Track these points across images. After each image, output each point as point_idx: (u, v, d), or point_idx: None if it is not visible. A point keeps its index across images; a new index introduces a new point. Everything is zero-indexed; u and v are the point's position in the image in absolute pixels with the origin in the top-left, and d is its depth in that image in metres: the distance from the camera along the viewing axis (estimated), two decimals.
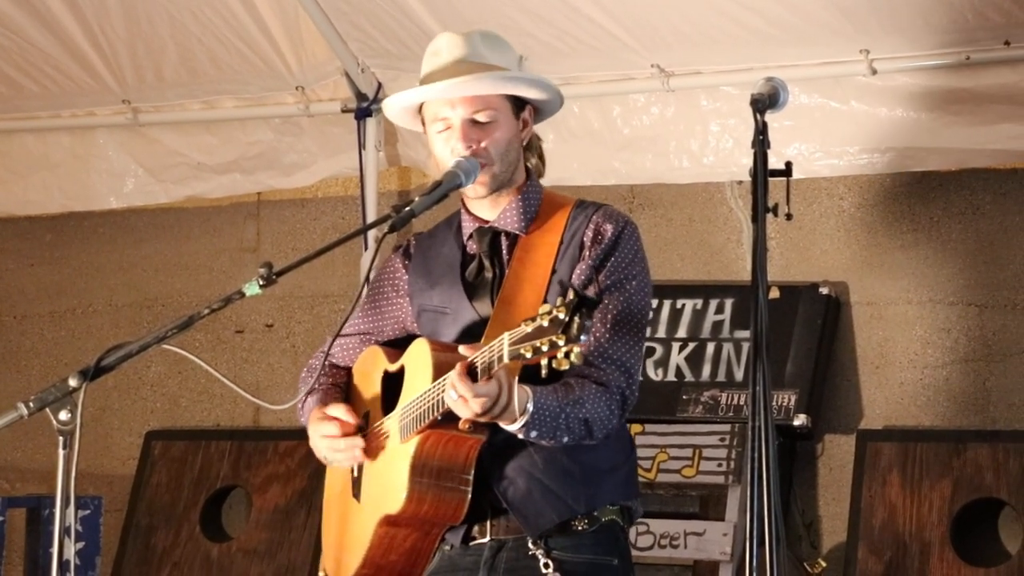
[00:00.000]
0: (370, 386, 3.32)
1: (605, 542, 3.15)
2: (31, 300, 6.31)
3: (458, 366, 2.88)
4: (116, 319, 6.17)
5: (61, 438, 2.89)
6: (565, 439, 3.03)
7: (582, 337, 2.69)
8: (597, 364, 3.07)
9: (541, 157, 3.32)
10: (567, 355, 2.70)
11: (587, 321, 2.70)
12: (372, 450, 3.24)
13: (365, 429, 3.27)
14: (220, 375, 3.12)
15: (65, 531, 2.89)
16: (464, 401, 2.88)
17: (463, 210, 3.27)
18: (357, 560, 3.19)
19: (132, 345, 2.99)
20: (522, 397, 2.92)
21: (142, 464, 5.87)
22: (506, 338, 2.81)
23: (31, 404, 2.92)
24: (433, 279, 3.27)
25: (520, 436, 2.98)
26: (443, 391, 2.95)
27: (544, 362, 2.73)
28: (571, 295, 2.70)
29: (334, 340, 3.23)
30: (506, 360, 2.81)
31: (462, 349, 2.93)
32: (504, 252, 3.21)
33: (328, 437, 3.25)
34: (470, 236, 3.25)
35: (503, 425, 2.97)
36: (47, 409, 2.91)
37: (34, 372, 6.25)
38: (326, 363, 3.41)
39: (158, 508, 5.77)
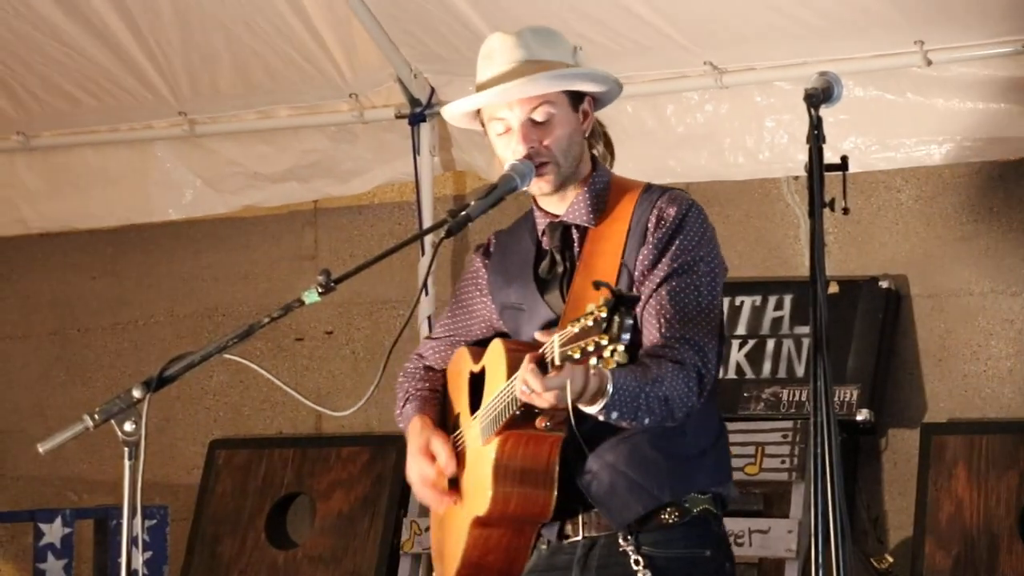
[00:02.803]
0: (460, 388, 3.33)
1: (697, 534, 3.11)
2: (94, 313, 6.37)
3: (526, 361, 2.86)
4: (177, 330, 6.21)
5: (126, 449, 2.91)
6: (646, 420, 2.98)
7: (624, 336, 2.67)
8: (671, 344, 3.04)
9: (608, 143, 3.31)
10: (612, 354, 2.69)
11: (627, 319, 2.67)
12: (461, 455, 3.25)
13: (453, 435, 3.29)
14: (281, 383, 3.14)
15: (132, 541, 2.91)
16: (538, 395, 2.87)
17: (534, 206, 3.27)
18: (456, 561, 3.19)
19: (194, 355, 3.00)
20: (601, 378, 2.89)
21: (206, 473, 5.91)
22: (556, 340, 2.80)
23: (96, 416, 2.94)
24: (510, 276, 3.28)
25: (601, 418, 2.95)
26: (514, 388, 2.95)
27: (593, 362, 2.72)
28: (608, 294, 2.69)
29: (394, 334, 3.24)
30: (557, 363, 2.80)
31: (535, 337, 2.91)
32: (575, 245, 3.20)
33: (423, 481, 3.26)
34: (543, 232, 3.25)
35: (583, 408, 2.93)
36: (112, 420, 2.92)
37: (98, 384, 6.31)
38: (420, 366, 3.45)
39: (223, 517, 5.81)
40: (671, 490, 3.10)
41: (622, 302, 2.68)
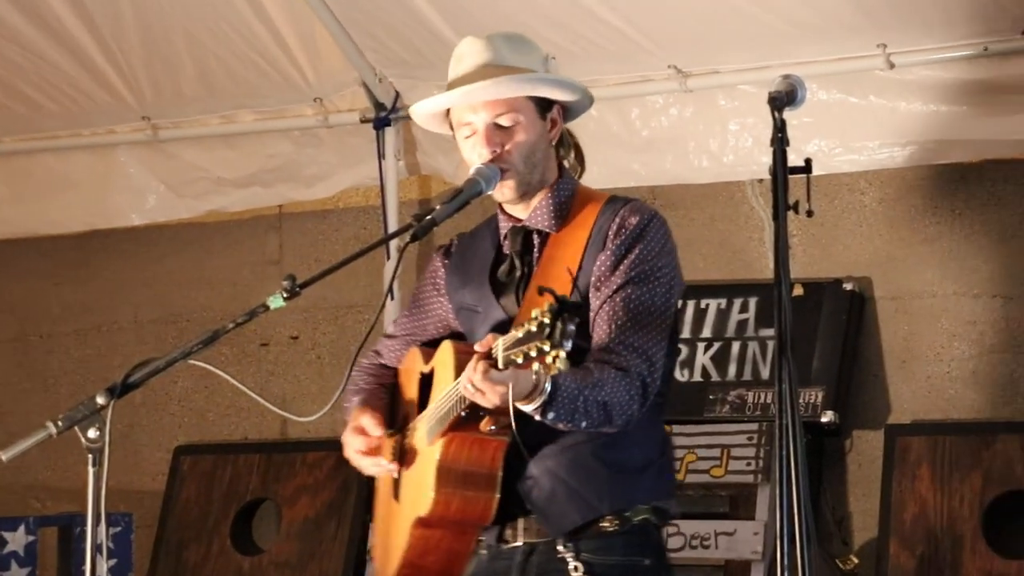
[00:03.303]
0: (410, 387, 3.35)
1: (637, 543, 3.14)
2: (56, 319, 6.33)
3: (473, 359, 2.88)
4: (141, 335, 6.19)
5: (90, 456, 2.90)
6: (583, 423, 2.99)
7: (566, 343, 2.68)
8: (618, 351, 3.05)
9: (579, 153, 3.33)
10: (554, 360, 2.70)
11: (570, 326, 2.68)
12: (407, 453, 3.27)
13: (400, 432, 3.31)
14: (246, 389, 3.14)
15: (97, 548, 2.90)
16: (480, 393, 2.88)
17: (499, 210, 3.29)
18: (397, 561, 3.22)
19: (158, 361, 3.00)
20: (538, 378, 2.90)
21: (171, 479, 5.89)
22: (500, 344, 2.82)
23: (60, 423, 2.93)
24: (467, 277, 3.30)
25: (537, 418, 2.96)
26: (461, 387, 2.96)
27: (535, 367, 2.73)
28: (551, 300, 2.69)
29: (368, 338, 3.25)
30: (500, 366, 2.82)
31: (476, 346, 2.92)
32: (535, 250, 3.22)
33: (357, 452, 3.29)
34: (505, 236, 3.26)
35: (520, 406, 2.94)
36: (76, 427, 2.92)
37: (62, 391, 6.27)
38: (374, 363, 3.47)
39: (188, 523, 5.79)
40: (610, 502, 3.12)
41: (565, 308, 2.69)
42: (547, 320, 2.68)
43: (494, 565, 3.19)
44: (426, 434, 3.16)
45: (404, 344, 3.43)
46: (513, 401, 2.90)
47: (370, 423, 3.28)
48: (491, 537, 3.19)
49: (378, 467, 3.28)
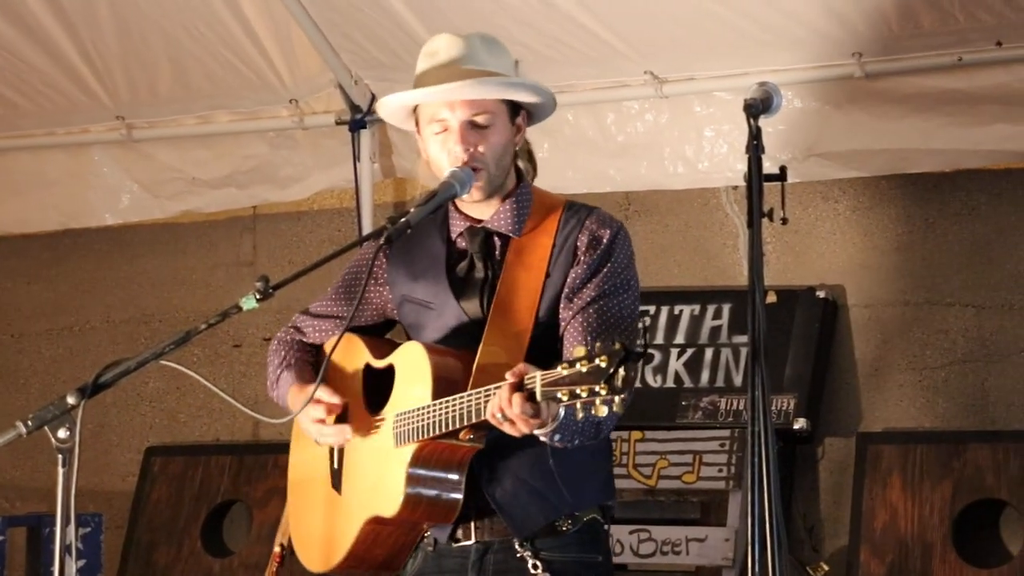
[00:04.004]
0: (350, 376, 3.32)
1: (589, 540, 3.21)
2: (28, 318, 6.30)
3: (506, 390, 2.89)
4: (114, 335, 6.16)
5: (60, 456, 2.89)
6: (577, 441, 3.07)
7: (625, 391, 2.72)
8: None
9: (531, 159, 3.35)
10: (608, 404, 2.73)
11: (632, 373, 2.72)
12: (356, 445, 3.26)
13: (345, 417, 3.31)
14: (218, 390, 3.13)
15: (66, 549, 2.88)
16: (512, 424, 2.91)
17: (451, 207, 3.28)
18: (340, 553, 3.23)
19: (130, 361, 2.99)
20: (555, 406, 2.94)
21: (142, 480, 5.87)
22: (539, 378, 2.84)
23: (30, 423, 2.92)
24: (416, 271, 3.29)
25: (544, 440, 3.01)
26: (469, 406, 2.98)
27: (579, 406, 2.76)
28: (617, 346, 2.73)
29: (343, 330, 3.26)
30: (539, 399, 2.85)
31: (508, 375, 2.91)
32: (497, 254, 3.23)
33: (317, 421, 3.26)
34: (460, 233, 3.26)
35: (536, 432, 2.98)
36: (46, 427, 2.91)
37: (32, 390, 6.25)
38: (296, 339, 3.44)
39: (159, 524, 5.77)
40: (569, 503, 3.18)
41: (630, 356, 2.72)
42: (604, 364, 2.71)
43: (443, 563, 3.22)
44: (392, 435, 3.15)
45: (333, 326, 3.38)
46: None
47: (326, 395, 3.23)
48: (442, 535, 3.21)
49: (341, 436, 3.24)
